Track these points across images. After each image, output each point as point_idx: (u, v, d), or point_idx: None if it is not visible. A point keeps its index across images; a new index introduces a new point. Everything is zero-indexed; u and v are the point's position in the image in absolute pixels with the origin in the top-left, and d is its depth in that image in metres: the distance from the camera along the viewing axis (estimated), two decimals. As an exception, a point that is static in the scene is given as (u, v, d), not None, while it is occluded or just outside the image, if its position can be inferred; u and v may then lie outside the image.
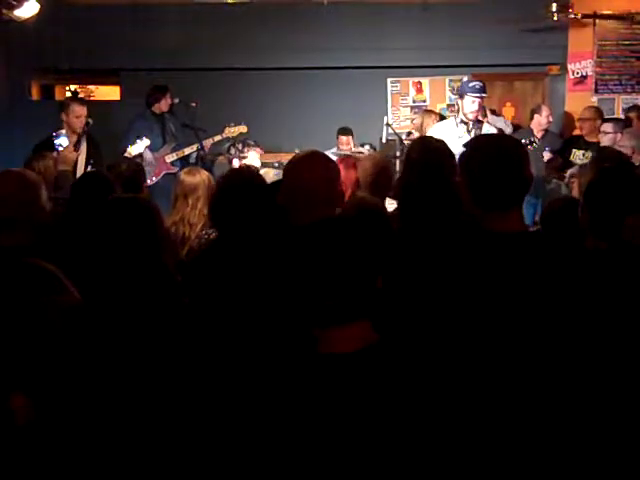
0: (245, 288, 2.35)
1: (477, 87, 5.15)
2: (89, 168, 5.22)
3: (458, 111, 5.33)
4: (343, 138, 7.35)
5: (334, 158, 3.84)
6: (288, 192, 2.33)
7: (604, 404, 2.08)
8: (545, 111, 6.92)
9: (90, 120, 5.68)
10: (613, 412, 2.12)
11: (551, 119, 6.95)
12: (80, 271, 2.26)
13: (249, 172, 2.91)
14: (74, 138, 5.44)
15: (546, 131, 6.92)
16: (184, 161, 6.42)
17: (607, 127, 5.87)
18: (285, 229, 2.37)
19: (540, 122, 6.88)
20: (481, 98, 5.16)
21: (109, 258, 2.40)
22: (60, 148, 4.03)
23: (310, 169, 2.32)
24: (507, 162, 2.10)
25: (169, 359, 2.21)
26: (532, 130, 6.86)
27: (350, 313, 1.58)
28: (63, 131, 4.04)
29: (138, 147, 5.88)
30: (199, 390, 2.15)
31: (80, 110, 5.51)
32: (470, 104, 5.11)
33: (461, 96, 5.20)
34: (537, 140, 6.10)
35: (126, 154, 5.64)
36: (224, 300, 2.40)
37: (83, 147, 5.64)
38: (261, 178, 2.80)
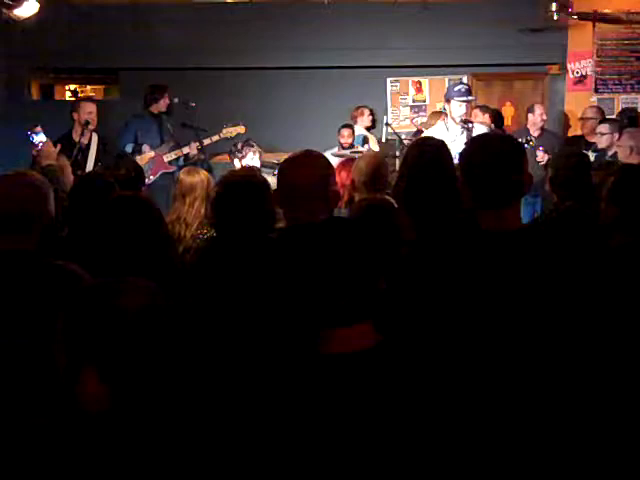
0: (247, 288, 2.34)
1: (463, 90, 5.18)
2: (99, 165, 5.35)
3: (446, 115, 5.34)
4: (344, 132, 7.32)
5: (333, 159, 3.85)
6: (283, 191, 2.33)
7: (607, 405, 2.07)
8: (538, 110, 6.88)
9: (90, 120, 5.72)
10: (617, 412, 2.11)
11: (545, 117, 6.91)
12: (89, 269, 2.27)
13: (250, 173, 2.90)
14: (87, 135, 5.72)
15: (543, 130, 6.88)
16: (183, 161, 6.44)
17: (603, 128, 5.79)
18: (292, 229, 2.36)
19: (535, 121, 6.85)
20: (468, 101, 5.19)
21: (117, 254, 2.42)
22: (40, 145, 4.03)
23: (305, 168, 2.31)
24: (503, 161, 2.10)
25: (174, 356, 2.21)
26: (528, 130, 6.81)
27: (354, 314, 1.57)
28: (39, 128, 4.06)
29: (145, 156, 6.21)
30: (201, 388, 2.15)
31: (91, 107, 5.83)
32: (458, 108, 5.13)
33: (448, 101, 5.22)
34: (534, 138, 6.09)
35: (137, 159, 5.79)
36: (226, 299, 2.40)
37: (93, 146, 5.71)
38: (263, 179, 2.79)
